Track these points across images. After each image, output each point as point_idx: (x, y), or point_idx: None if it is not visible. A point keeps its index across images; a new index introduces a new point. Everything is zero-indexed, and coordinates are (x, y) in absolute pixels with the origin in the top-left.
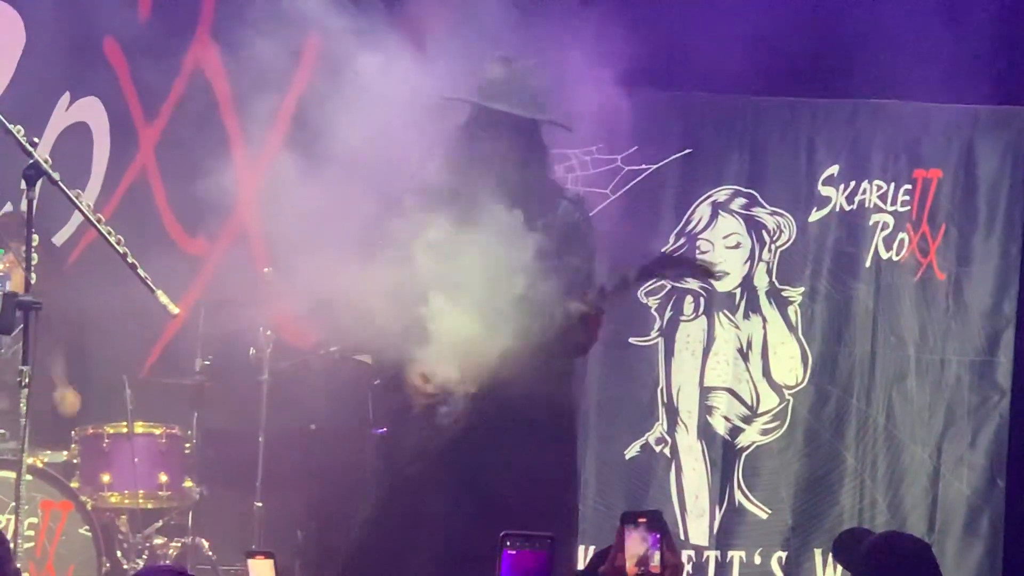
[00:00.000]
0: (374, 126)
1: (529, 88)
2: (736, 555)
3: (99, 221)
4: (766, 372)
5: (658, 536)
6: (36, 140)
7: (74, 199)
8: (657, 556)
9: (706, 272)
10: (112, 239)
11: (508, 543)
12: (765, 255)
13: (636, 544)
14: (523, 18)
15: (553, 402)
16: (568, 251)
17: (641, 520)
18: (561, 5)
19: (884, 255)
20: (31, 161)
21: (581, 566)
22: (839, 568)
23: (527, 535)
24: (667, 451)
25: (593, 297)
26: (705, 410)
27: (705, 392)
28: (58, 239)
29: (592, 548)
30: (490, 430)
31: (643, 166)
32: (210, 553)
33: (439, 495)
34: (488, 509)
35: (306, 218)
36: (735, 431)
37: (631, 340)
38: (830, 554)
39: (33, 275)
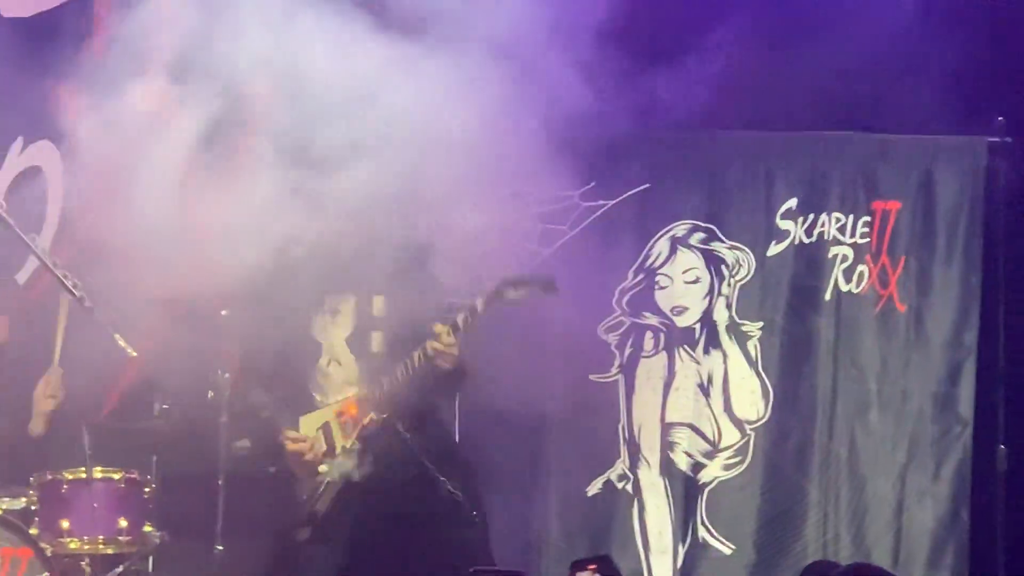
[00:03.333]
0: None
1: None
2: None
3: (55, 265)
4: (727, 407)
5: None
6: None
7: (30, 243)
8: None
9: (546, 285)
10: (68, 283)
11: None
12: (724, 289)
13: None
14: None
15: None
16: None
17: (591, 567)
18: (514, 44)
19: (844, 287)
20: None
21: None
22: None
23: (496, 571)
24: (629, 488)
25: (450, 326)
26: (667, 446)
27: (667, 428)
28: (20, 277)
29: None
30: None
31: (600, 202)
32: None
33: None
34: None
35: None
36: (697, 467)
37: (591, 377)
38: None
39: None
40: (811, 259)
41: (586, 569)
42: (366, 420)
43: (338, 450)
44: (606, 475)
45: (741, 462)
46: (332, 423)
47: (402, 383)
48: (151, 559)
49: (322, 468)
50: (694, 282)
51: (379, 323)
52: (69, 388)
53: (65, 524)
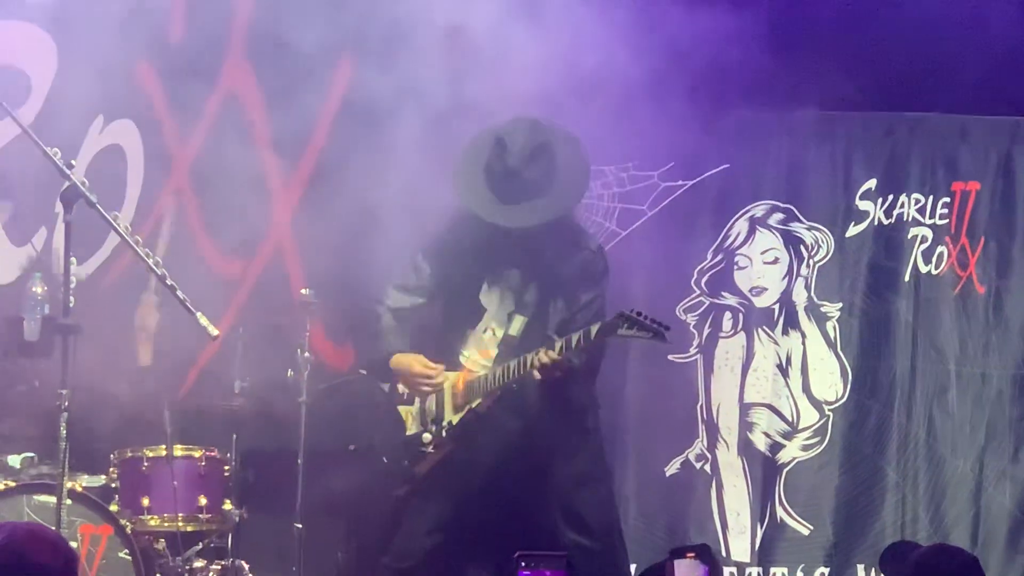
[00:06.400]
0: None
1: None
2: (778, 571)
3: (136, 243)
4: (806, 388)
5: (707, 569)
6: (73, 163)
7: (111, 221)
8: None
9: (657, 333)
10: (150, 261)
11: (523, 563)
12: (803, 270)
13: None
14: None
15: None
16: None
17: (690, 555)
18: (598, 23)
19: (923, 269)
20: (68, 184)
21: None
22: None
23: (542, 555)
24: (707, 468)
25: (559, 347)
26: (745, 426)
27: (745, 408)
28: (93, 263)
29: (634, 566)
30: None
31: (680, 182)
32: (251, 575)
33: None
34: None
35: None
36: (776, 447)
37: (670, 357)
38: (874, 568)
39: (72, 298)
40: (890, 240)
41: (685, 556)
42: (475, 404)
43: (445, 421)
44: (684, 455)
45: (820, 443)
46: (446, 391)
47: (501, 382)
48: (231, 536)
49: (425, 437)
50: (773, 262)
51: (526, 310)
52: (151, 368)
53: (145, 502)
